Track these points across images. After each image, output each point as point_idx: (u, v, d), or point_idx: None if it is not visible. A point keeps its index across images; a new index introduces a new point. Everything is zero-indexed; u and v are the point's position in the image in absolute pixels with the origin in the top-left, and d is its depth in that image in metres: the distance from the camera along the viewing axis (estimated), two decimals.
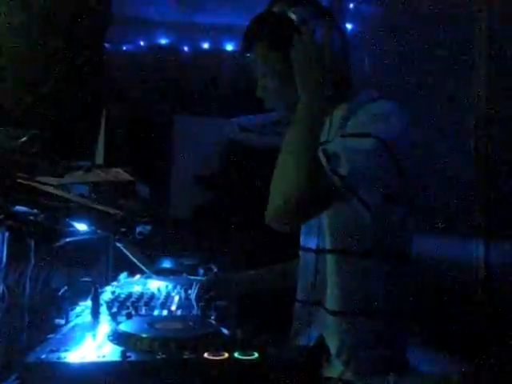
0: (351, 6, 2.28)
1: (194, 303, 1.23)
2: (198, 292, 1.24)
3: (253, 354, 0.86)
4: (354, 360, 0.97)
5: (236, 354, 0.86)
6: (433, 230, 1.56)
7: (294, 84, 0.97)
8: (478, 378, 0.95)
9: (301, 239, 1.15)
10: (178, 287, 1.50)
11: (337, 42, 1.02)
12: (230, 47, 3.05)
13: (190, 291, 1.33)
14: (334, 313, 1.00)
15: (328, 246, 1.02)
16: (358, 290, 0.99)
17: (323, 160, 0.90)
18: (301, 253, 1.14)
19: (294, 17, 1.01)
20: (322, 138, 1.04)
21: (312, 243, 1.09)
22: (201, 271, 1.79)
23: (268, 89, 1.09)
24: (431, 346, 1.22)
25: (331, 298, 1.00)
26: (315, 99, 0.94)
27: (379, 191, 0.92)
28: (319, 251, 1.06)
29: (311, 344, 1.04)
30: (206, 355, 0.86)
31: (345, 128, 0.99)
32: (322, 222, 1.05)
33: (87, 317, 1.15)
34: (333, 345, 0.99)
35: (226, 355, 0.86)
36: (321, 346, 1.02)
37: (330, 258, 1.02)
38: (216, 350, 0.87)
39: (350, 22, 2.27)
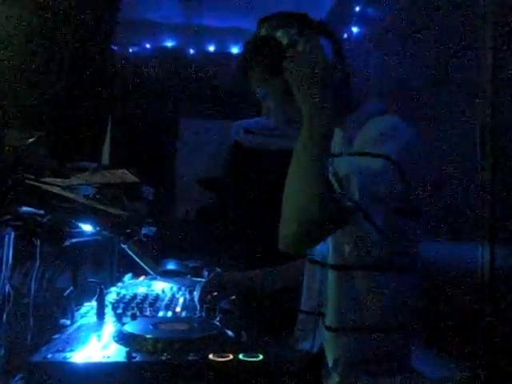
0: (357, 9, 2.28)
1: (197, 304, 1.23)
2: (200, 293, 1.24)
3: (257, 356, 0.86)
4: (350, 375, 0.97)
5: (240, 356, 0.86)
6: (438, 235, 1.56)
7: (296, 104, 0.97)
8: (480, 382, 0.95)
9: (308, 252, 1.14)
10: (183, 289, 1.51)
11: (331, 55, 1.00)
12: (235, 50, 3.06)
13: (194, 293, 1.33)
14: (330, 328, 0.99)
15: (331, 261, 1.01)
16: (358, 307, 0.98)
17: (335, 184, 0.90)
18: (306, 263, 1.14)
19: (281, 39, 1.00)
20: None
21: (317, 256, 1.09)
22: (205, 273, 1.80)
23: (271, 111, 1.09)
24: (435, 351, 1.21)
25: (328, 314, 1.00)
26: (317, 117, 0.93)
27: (390, 212, 0.92)
28: (323, 265, 1.05)
29: (314, 350, 1.03)
30: (210, 356, 0.86)
31: (351, 143, 0.99)
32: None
33: (92, 317, 1.15)
34: (329, 358, 0.99)
35: (231, 357, 0.86)
36: (322, 353, 1.01)
37: (330, 272, 1.01)
38: (220, 352, 0.87)
39: (356, 25, 2.27)
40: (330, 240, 1.01)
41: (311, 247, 1.05)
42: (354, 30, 2.30)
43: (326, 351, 1.00)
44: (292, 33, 1.00)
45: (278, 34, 1.01)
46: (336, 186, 0.90)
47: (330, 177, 0.91)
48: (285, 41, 1.00)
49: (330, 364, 0.98)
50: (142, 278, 1.75)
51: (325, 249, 1.03)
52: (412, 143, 0.97)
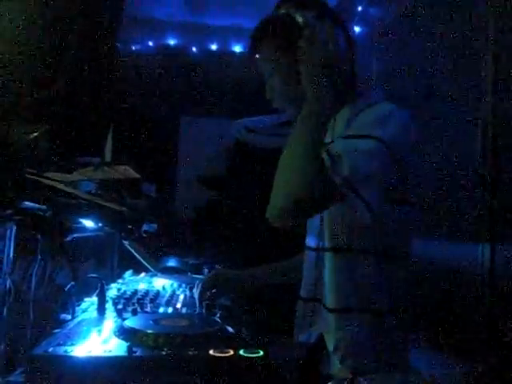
0: (359, 8, 2.29)
1: (197, 301, 1.23)
2: (200, 290, 1.25)
3: (258, 352, 0.87)
4: (350, 357, 0.97)
5: (241, 352, 0.87)
6: (439, 233, 1.56)
7: (301, 84, 0.97)
8: (479, 379, 0.95)
9: (306, 238, 1.16)
10: (183, 286, 1.51)
11: (342, 44, 1.02)
12: (237, 48, 3.06)
13: (194, 290, 1.33)
14: (331, 310, 1.01)
15: (327, 244, 1.03)
16: (354, 288, 1.00)
17: (327, 161, 0.91)
18: (305, 251, 1.15)
19: (299, 19, 1.01)
20: (326, 139, 1.04)
21: (313, 241, 1.10)
22: (205, 270, 1.80)
23: (275, 89, 1.10)
24: (434, 347, 1.22)
25: (328, 295, 1.02)
26: (320, 100, 0.94)
27: (380, 191, 0.92)
28: (319, 249, 1.07)
29: (311, 341, 1.04)
30: (211, 352, 0.86)
31: (347, 130, 1.00)
32: (322, 220, 1.05)
33: (93, 312, 1.15)
34: (330, 342, 1.00)
35: (231, 352, 0.86)
36: (320, 343, 1.02)
37: (328, 255, 1.03)
38: (221, 347, 0.87)
39: (358, 24, 2.28)
40: (325, 223, 1.03)
41: (298, 221, 1.05)
42: (357, 29, 2.31)
43: (326, 336, 1.01)
44: (309, 15, 1.01)
45: (296, 14, 1.03)
46: (328, 163, 0.91)
47: (324, 155, 0.92)
48: (301, 21, 1.01)
49: (330, 348, 0.99)
50: (142, 275, 1.75)
51: (319, 234, 1.05)
52: (407, 129, 0.98)
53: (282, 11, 1.06)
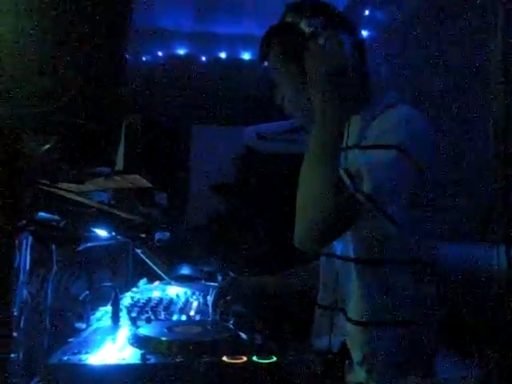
0: (367, 12, 2.29)
1: (211, 308, 1.23)
2: (214, 297, 1.25)
3: (271, 358, 0.86)
4: (377, 369, 0.96)
5: (254, 358, 0.86)
6: (454, 236, 1.54)
7: (309, 92, 0.97)
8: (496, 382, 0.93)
9: None
10: (197, 293, 1.51)
11: (350, 50, 1.00)
12: (246, 56, 3.08)
13: (208, 297, 1.33)
14: (356, 323, 0.98)
15: (352, 254, 1.01)
16: (382, 301, 0.97)
17: (346, 180, 0.90)
18: (322, 258, 1.13)
19: (305, 27, 1.01)
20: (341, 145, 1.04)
21: (335, 249, 1.08)
22: (219, 278, 1.80)
23: (285, 96, 1.10)
24: (455, 353, 1.20)
25: (354, 309, 0.99)
26: (328, 113, 0.93)
27: (405, 202, 0.91)
28: (342, 258, 1.05)
29: (334, 350, 1.03)
30: (224, 358, 0.86)
31: (364, 136, 0.99)
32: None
33: (107, 321, 1.16)
34: (355, 353, 0.98)
35: (245, 359, 0.86)
36: (344, 352, 1.01)
37: (353, 267, 1.00)
38: (234, 354, 0.87)
39: (366, 28, 2.28)
40: (350, 234, 1.01)
41: (326, 244, 1.04)
42: (364, 33, 2.31)
43: (350, 347, 0.99)
44: (316, 24, 1.01)
45: (302, 22, 1.02)
46: (348, 181, 0.90)
47: (342, 173, 0.91)
48: (307, 30, 1.01)
49: (357, 360, 0.97)
50: (156, 283, 1.76)
51: (343, 242, 1.03)
52: (424, 131, 0.97)
53: (289, 19, 1.06)
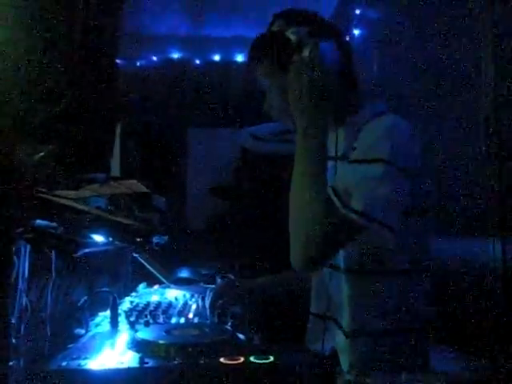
0: (357, 11, 2.30)
1: (208, 310, 1.24)
2: (211, 299, 1.26)
3: (268, 358, 0.87)
4: (366, 375, 0.96)
5: (251, 358, 0.87)
6: (449, 232, 1.55)
7: (291, 109, 0.98)
8: (492, 376, 0.94)
9: None
10: (196, 296, 1.52)
11: (336, 61, 0.99)
12: (240, 58, 3.09)
13: (206, 299, 1.34)
14: (347, 333, 0.98)
15: (342, 265, 1.01)
16: (373, 311, 0.97)
17: (334, 198, 0.90)
18: None
19: (292, 36, 1.02)
20: (330, 154, 1.04)
21: None
22: (218, 280, 1.81)
23: (273, 103, 1.10)
24: (449, 346, 1.21)
25: (346, 319, 0.99)
26: (311, 129, 0.93)
27: (398, 212, 0.91)
28: (333, 267, 1.05)
29: (326, 353, 1.03)
30: (222, 360, 0.87)
31: (352, 146, 0.98)
32: None
33: (106, 326, 1.17)
34: (343, 361, 0.98)
35: (242, 359, 0.87)
36: (334, 357, 1.01)
37: (345, 277, 1.00)
38: (232, 355, 0.88)
39: (356, 27, 2.29)
40: None
41: (323, 264, 1.02)
42: (356, 32, 2.31)
43: (340, 355, 0.99)
44: (302, 32, 1.01)
45: (289, 31, 1.03)
46: (336, 201, 0.89)
47: (330, 192, 0.91)
48: (294, 39, 1.01)
49: (345, 368, 0.97)
50: (155, 287, 1.77)
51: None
52: (411, 141, 0.96)
53: (276, 28, 1.06)
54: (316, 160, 0.93)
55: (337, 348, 1.01)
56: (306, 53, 0.96)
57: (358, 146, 0.96)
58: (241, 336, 1.03)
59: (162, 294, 1.59)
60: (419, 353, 0.99)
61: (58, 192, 1.14)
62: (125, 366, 0.85)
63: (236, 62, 3.10)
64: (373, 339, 0.97)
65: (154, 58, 3.06)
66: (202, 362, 0.86)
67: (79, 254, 1.30)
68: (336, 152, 1.03)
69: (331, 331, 1.04)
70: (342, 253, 1.00)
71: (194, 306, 1.37)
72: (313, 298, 1.12)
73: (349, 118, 1.05)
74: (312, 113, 0.94)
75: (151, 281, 1.83)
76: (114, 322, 1.16)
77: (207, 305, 1.27)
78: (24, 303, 1.11)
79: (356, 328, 0.97)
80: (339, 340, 1.00)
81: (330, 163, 1.03)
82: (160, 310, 1.29)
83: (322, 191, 0.91)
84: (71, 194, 1.19)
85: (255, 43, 1.10)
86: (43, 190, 1.08)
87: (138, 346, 0.95)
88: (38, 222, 1.09)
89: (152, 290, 1.72)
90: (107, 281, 1.79)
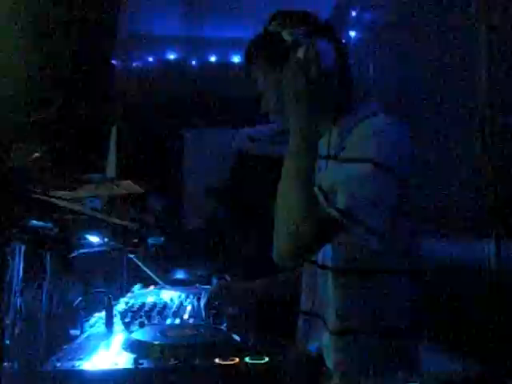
0: (353, 14, 2.30)
1: (203, 311, 1.24)
2: (206, 300, 1.26)
3: (263, 359, 0.87)
4: (351, 375, 0.96)
5: (246, 359, 0.87)
6: (443, 233, 1.56)
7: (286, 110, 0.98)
8: (486, 378, 0.94)
9: None
10: (191, 297, 1.52)
11: (331, 58, 1.00)
12: (236, 59, 3.09)
13: (201, 301, 1.34)
14: (332, 331, 0.99)
15: (330, 264, 1.02)
16: (359, 310, 0.97)
17: (320, 196, 0.90)
18: (305, 264, 1.14)
19: (288, 36, 1.03)
20: (323, 153, 1.04)
21: (314, 256, 1.09)
22: (214, 281, 1.81)
23: (270, 104, 1.11)
24: (443, 348, 1.21)
25: (331, 317, 0.99)
26: (304, 128, 0.94)
27: (383, 213, 0.90)
28: (320, 266, 1.05)
29: (312, 353, 1.04)
30: (216, 360, 0.87)
31: (342, 146, 0.98)
32: None
33: (101, 327, 1.17)
34: (328, 359, 0.99)
35: (237, 360, 0.87)
36: (320, 357, 1.01)
37: (331, 276, 1.01)
38: (227, 356, 0.88)
39: (353, 29, 2.29)
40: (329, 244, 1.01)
41: (305, 259, 1.04)
42: (352, 34, 2.32)
43: (324, 353, 1.00)
44: (298, 32, 1.02)
45: (284, 32, 1.03)
46: (321, 198, 0.90)
47: (316, 190, 0.91)
48: (289, 40, 1.02)
49: (330, 366, 0.98)
50: (151, 288, 1.77)
51: (322, 251, 1.04)
52: (401, 143, 0.96)
53: (271, 29, 1.07)
54: (306, 158, 0.93)
55: (323, 346, 1.01)
56: (301, 52, 0.97)
57: (347, 146, 0.97)
58: (236, 337, 1.03)
59: (158, 295, 1.59)
60: (405, 353, 1.00)
61: (54, 192, 1.13)
62: (119, 366, 0.85)
63: (233, 63, 3.10)
64: (358, 338, 0.97)
65: (151, 59, 3.05)
66: (196, 362, 0.86)
67: (74, 254, 1.30)
68: (328, 152, 1.04)
69: (318, 329, 1.04)
70: (329, 252, 1.01)
71: (189, 307, 1.37)
72: (302, 296, 1.13)
73: (343, 118, 1.05)
74: (306, 112, 0.95)
75: (146, 282, 1.83)
76: (109, 323, 1.15)
77: (202, 305, 1.27)
78: (18, 304, 1.11)
79: (341, 327, 0.98)
80: (325, 338, 1.00)
81: (323, 163, 1.03)
82: (155, 310, 1.29)
83: (308, 188, 0.91)
84: (67, 194, 1.19)
85: (251, 44, 1.11)
86: (38, 190, 1.08)
87: (132, 346, 0.95)
88: (33, 222, 1.09)
89: (147, 290, 1.72)
90: (102, 281, 1.78)
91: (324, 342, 1.01)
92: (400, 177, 0.92)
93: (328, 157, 1.03)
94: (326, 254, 1.02)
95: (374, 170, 0.89)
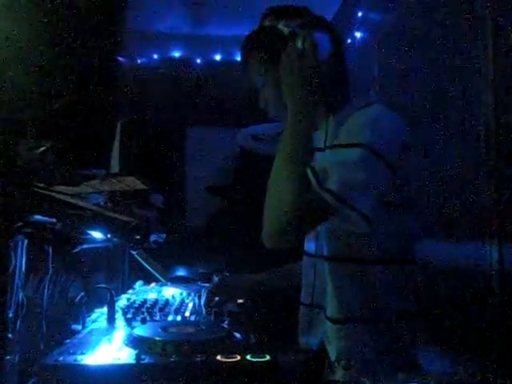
0: (359, 14, 2.30)
1: (203, 308, 1.24)
2: (206, 297, 1.26)
3: (264, 356, 0.87)
4: (355, 365, 0.96)
5: (248, 356, 0.87)
6: (446, 235, 1.56)
7: (284, 97, 0.99)
8: (488, 379, 0.94)
9: (304, 243, 1.16)
10: (192, 294, 1.52)
11: (327, 50, 1.00)
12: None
13: (202, 297, 1.34)
14: (332, 320, 0.99)
15: (325, 253, 1.02)
16: (356, 298, 0.98)
17: (311, 177, 0.91)
18: (304, 257, 1.15)
19: (283, 29, 1.03)
20: (319, 144, 1.05)
21: (311, 248, 1.10)
22: (215, 279, 1.81)
23: (268, 99, 1.11)
24: (444, 348, 1.21)
25: (330, 306, 1.00)
26: (301, 113, 0.95)
27: (373, 199, 0.90)
28: (317, 256, 1.06)
29: (313, 348, 1.04)
30: (218, 357, 0.87)
31: (337, 136, 1.00)
32: (320, 227, 1.05)
33: (103, 322, 1.17)
34: (331, 351, 0.99)
35: (238, 357, 0.87)
36: (322, 350, 1.01)
37: (327, 264, 1.02)
38: (228, 353, 0.88)
39: (359, 30, 2.29)
40: (322, 232, 1.02)
41: (294, 242, 1.03)
42: (358, 35, 2.32)
43: (326, 345, 1.00)
44: (293, 25, 1.02)
45: (280, 24, 1.03)
46: (313, 180, 0.90)
47: (308, 172, 0.92)
48: (286, 32, 1.02)
49: (333, 357, 0.98)
50: (152, 285, 1.77)
51: (318, 241, 1.04)
52: (395, 130, 0.97)
53: (267, 23, 1.07)
54: (300, 144, 0.94)
55: (324, 337, 1.01)
56: (298, 43, 0.98)
57: (341, 132, 0.97)
58: (237, 334, 1.03)
59: (159, 292, 1.59)
60: (404, 341, 1.00)
61: (57, 188, 1.14)
62: (121, 362, 0.85)
63: (237, 62, 3.10)
64: (358, 326, 0.98)
65: (155, 56, 3.06)
66: (198, 359, 0.86)
67: (77, 249, 1.30)
68: (325, 143, 1.05)
69: (320, 320, 1.05)
70: (324, 241, 1.02)
71: (190, 305, 1.37)
72: (303, 289, 1.13)
73: (339, 109, 1.06)
74: (303, 100, 0.96)
75: (148, 278, 1.83)
76: (111, 319, 1.16)
77: (202, 303, 1.27)
78: (20, 298, 1.12)
79: (341, 315, 0.98)
80: (326, 328, 1.01)
81: (319, 155, 1.04)
82: (157, 307, 1.29)
83: (300, 170, 0.92)
84: (70, 189, 1.19)
85: (248, 38, 1.11)
86: (42, 185, 1.08)
87: (134, 342, 0.95)
88: (37, 217, 1.09)
89: (149, 287, 1.73)
90: (104, 277, 1.79)
91: (326, 333, 1.01)
92: (392, 165, 0.93)
93: (324, 148, 1.04)
94: (321, 243, 1.03)
95: (365, 154, 0.90)
